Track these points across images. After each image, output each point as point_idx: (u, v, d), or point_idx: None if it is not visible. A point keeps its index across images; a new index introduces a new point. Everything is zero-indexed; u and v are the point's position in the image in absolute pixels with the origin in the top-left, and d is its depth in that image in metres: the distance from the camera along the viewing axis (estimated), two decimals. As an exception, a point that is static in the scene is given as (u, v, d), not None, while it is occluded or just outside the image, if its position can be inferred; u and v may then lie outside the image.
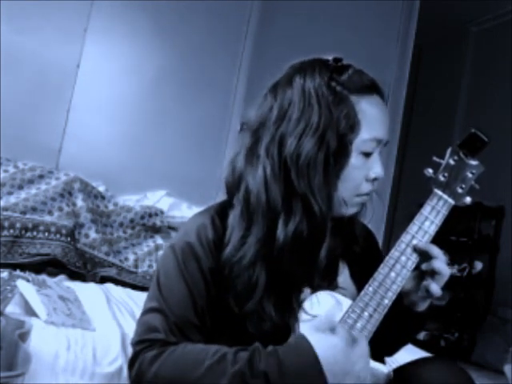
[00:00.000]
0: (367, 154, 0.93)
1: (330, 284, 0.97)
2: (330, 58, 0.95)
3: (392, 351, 1.10)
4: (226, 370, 0.81)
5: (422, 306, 0.97)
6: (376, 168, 0.95)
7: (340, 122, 0.89)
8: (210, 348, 0.85)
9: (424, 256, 0.93)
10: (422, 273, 0.94)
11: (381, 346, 0.96)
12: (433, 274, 0.92)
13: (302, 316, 0.92)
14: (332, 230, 0.98)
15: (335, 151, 0.89)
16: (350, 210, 0.97)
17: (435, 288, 0.91)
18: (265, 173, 0.90)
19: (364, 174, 0.94)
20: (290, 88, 0.92)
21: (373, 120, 0.92)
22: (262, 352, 0.83)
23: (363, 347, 0.83)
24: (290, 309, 0.91)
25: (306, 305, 0.93)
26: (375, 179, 0.95)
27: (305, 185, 0.89)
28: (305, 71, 0.93)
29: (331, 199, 0.91)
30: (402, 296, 0.94)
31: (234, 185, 0.96)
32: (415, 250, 0.92)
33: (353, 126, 0.90)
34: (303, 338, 0.82)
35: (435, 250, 0.92)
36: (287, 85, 0.93)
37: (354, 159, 0.92)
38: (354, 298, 0.96)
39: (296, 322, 0.91)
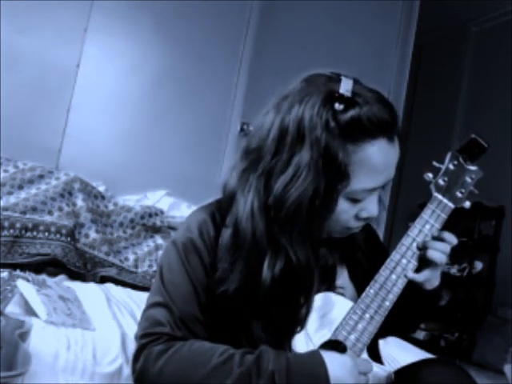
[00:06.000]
0: (356, 200, 0.89)
1: (329, 287, 0.97)
2: (340, 88, 0.86)
3: (412, 329, 1.12)
4: (232, 370, 0.82)
5: (433, 283, 0.97)
6: (369, 208, 0.91)
7: (331, 171, 0.84)
8: (217, 347, 0.85)
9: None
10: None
11: (398, 324, 0.98)
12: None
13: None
14: (330, 240, 0.97)
15: (321, 201, 0.85)
16: (342, 235, 0.96)
17: (437, 255, 0.93)
18: (252, 207, 0.88)
19: (353, 215, 0.91)
20: (289, 116, 0.87)
21: (368, 171, 0.86)
22: (271, 352, 0.83)
23: (369, 369, 0.86)
24: (280, 340, 0.91)
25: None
26: (367, 218, 0.92)
27: (285, 235, 0.87)
28: (307, 100, 0.86)
29: (314, 251, 0.89)
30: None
31: (227, 199, 0.95)
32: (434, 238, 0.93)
33: (343, 176, 0.85)
34: (314, 350, 0.86)
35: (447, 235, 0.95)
36: (287, 112, 0.88)
37: (342, 204, 0.88)
38: (353, 299, 0.96)
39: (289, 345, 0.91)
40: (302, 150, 0.84)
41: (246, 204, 0.89)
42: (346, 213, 0.90)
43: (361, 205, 0.90)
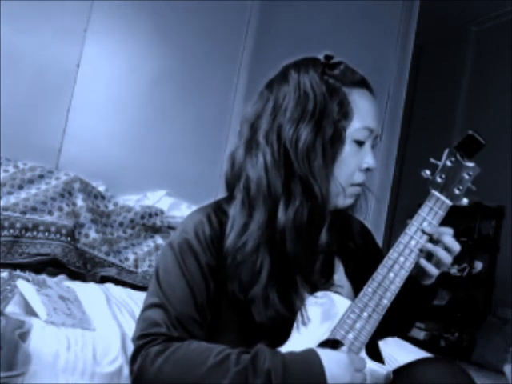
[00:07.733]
0: (360, 143, 0.97)
1: (327, 281, 0.98)
2: (322, 55, 0.99)
3: (407, 327, 1.14)
4: (228, 369, 0.82)
5: (431, 279, 0.99)
6: (368, 158, 0.98)
7: (334, 109, 0.93)
8: (214, 348, 0.86)
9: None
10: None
11: (395, 323, 0.99)
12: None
13: (309, 300, 0.93)
14: (328, 226, 0.99)
15: (331, 137, 0.93)
16: (346, 202, 0.99)
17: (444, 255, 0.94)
18: (265, 159, 0.93)
19: (357, 163, 0.97)
20: (286, 82, 0.96)
21: (364, 110, 0.96)
22: (267, 351, 0.84)
23: (364, 366, 0.87)
24: (295, 294, 0.92)
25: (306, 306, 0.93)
26: (368, 169, 0.98)
27: (305, 167, 0.92)
28: (299, 67, 0.97)
29: (330, 181, 0.94)
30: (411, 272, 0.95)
31: (234, 177, 0.99)
32: (424, 232, 0.95)
33: (346, 113, 0.94)
34: (309, 348, 0.86)
35: (444, 229, 0.96)
36: (282, 80, 0.97)
37: (348, 146, 0.95)
38: (349, 296, 0.97)
39: (301, 307, 0.92)
40: (305, 98, 0.93)
41: (256, 162, 0.94)
42: (352, 157, 0.96)
43: (362, 153, 0.97)
